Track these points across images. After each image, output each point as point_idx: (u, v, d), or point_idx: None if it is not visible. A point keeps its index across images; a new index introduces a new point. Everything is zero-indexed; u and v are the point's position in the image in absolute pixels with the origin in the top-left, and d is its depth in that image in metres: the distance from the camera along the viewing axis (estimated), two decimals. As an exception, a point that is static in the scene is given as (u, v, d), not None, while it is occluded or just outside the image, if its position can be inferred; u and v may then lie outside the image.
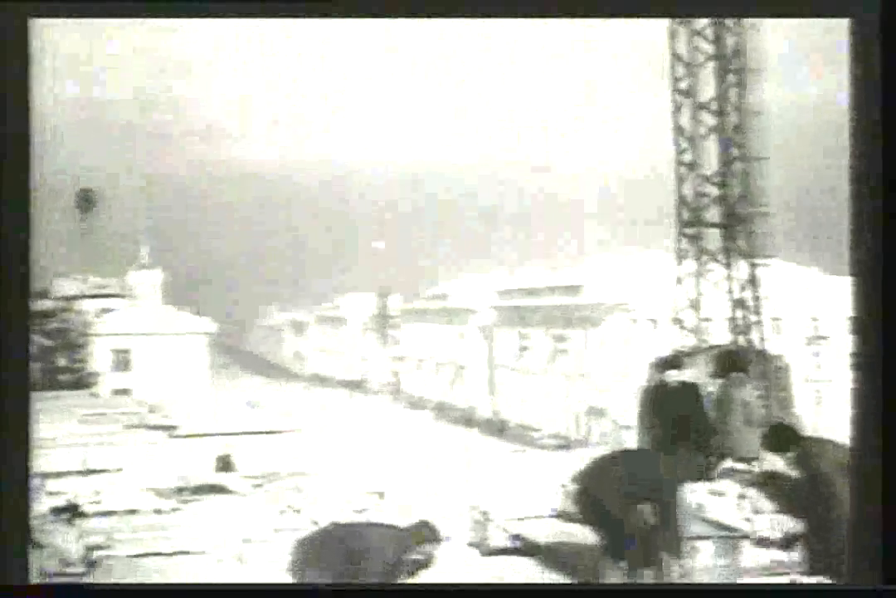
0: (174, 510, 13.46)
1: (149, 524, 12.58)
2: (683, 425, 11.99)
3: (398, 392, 58.86)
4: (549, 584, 7.89)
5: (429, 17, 8.14)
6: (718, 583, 7.86)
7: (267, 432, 21.59)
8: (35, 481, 14.70)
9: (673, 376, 12.23)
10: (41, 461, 16.63)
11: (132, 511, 13.27)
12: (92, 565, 10.88)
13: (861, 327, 7.69)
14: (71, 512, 12.53)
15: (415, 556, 8.26)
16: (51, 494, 13.62)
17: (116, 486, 14.49)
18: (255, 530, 11.88)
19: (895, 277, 7.57)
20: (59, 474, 15.41)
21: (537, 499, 12.28)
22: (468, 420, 53.14)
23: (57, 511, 12.15)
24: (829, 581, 8.24)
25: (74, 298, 35.77)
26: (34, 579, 9.42)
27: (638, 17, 8.07)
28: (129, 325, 39.58)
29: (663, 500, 8.96)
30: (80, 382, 35.00)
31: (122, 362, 37.65)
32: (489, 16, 8.10)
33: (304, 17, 8.19)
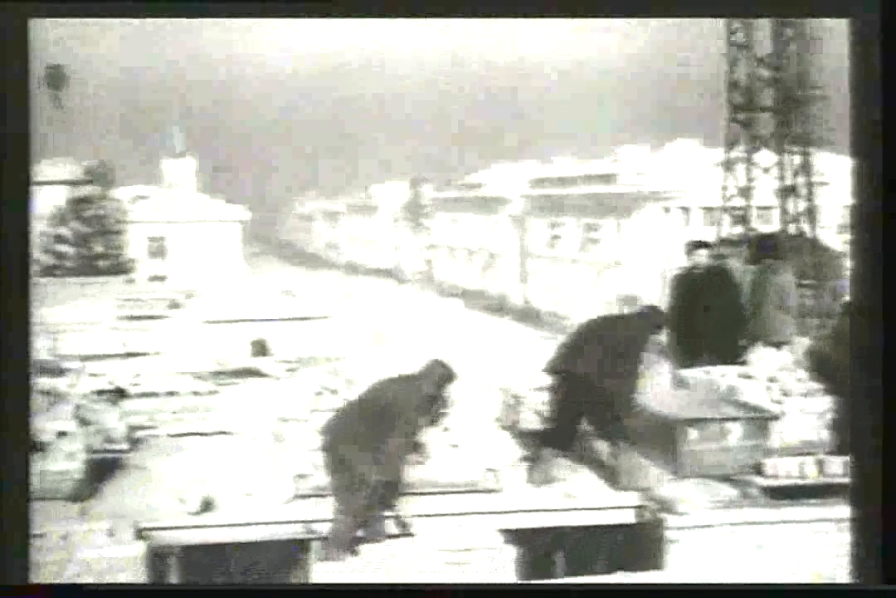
0: (212, 392, 13.76)
1: (188, 405, 12.87)
2: (714, 309, 12.06)
3: (430, 280, 59.12)
4: (550, 584, 8.15)
5: (428, 17, 8.04)
6: (719, 583, 7.87)
7: (300, 319, 21.85)
8: (76, 363, 15.07)
9: (702, 255, 12.24)
10: (82, 344, 17.00)
11: (171, 393, 13.57)
12: (135, 443, 11.22)
13: (861, 326, 7.65)
14: (114, 393, 12.85)
15: (434, 393, 8.49)
16: (93, 375, 13.95)
17: (155, 369, 14.79)
18: (291, 410, 12.17)
19: (895, 278, 7.51)
20: (99, 357, 15.76)
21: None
22: (499, 308, 53.45)
23: (100, 392, 12.46)
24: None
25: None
26: (82, 454, 9.78)
27: (638, 17, 8.00)
28: (163, 212, 39.75)
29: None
30: (118, 268, 35.34)
31: (157, 249, 37.92)
32: (489, 16, 8.01)
33: (304, 17, 8.06)
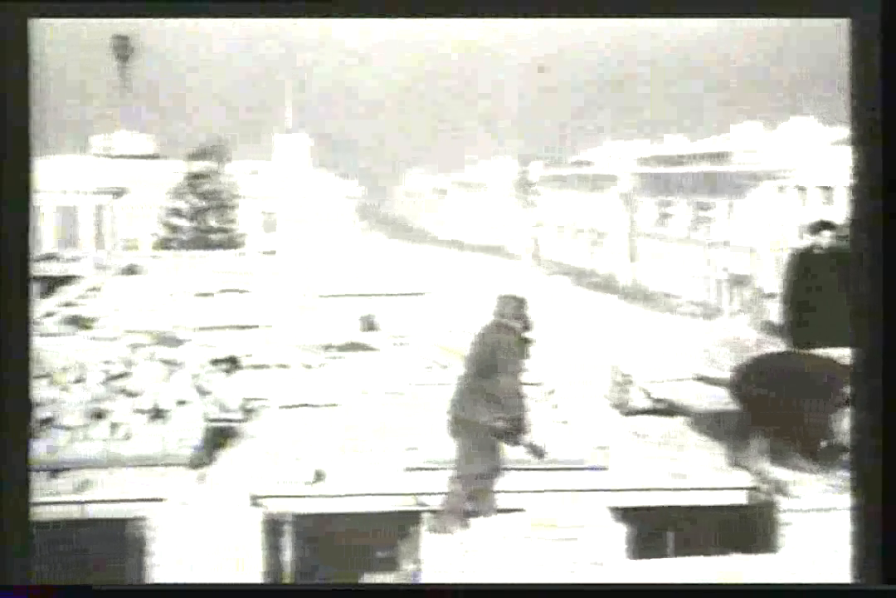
0: (322, 365, 13.96)
1: (299, 377, 13.09)
2: (830, 290, 11.80)
3: (537, 258, 58.94)
4: (551, 584, 8.11)
5: (428, 17, 8.08)
6: (718, 583, 7.79)
7: (408, 294, 21.95)
8: (192, 334, 15.40)
9: (826, 236, 11.96)
10: (198, 316, 17.33)
11: (283, 366, 13.81)
12: (249, 413, 11.45)
13: (861, 327, 7.65)
14: (229, 364, 13.13)
15: (517, 324, 8.51)
16: (207, 346, 14.26)
17: (267, 342, 15.05)
18: (401, 384, 12.29)
19: (895, 277, 7.52)
20: (212, 329, 16.08)
21: (678, 363, 12.35)
22: (607, 286, 53.07)
23: (216, 362, 12.75)
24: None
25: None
26: (202, 422, 10.04)
27: (638, 17, 7.99)
28: (276, 187, 40.26)
29: None
30: (230, 242, 35.92)
31: (269, 223, 38.45)
32: (489, 16, 8.06)
33: (304, 17, 8.11)
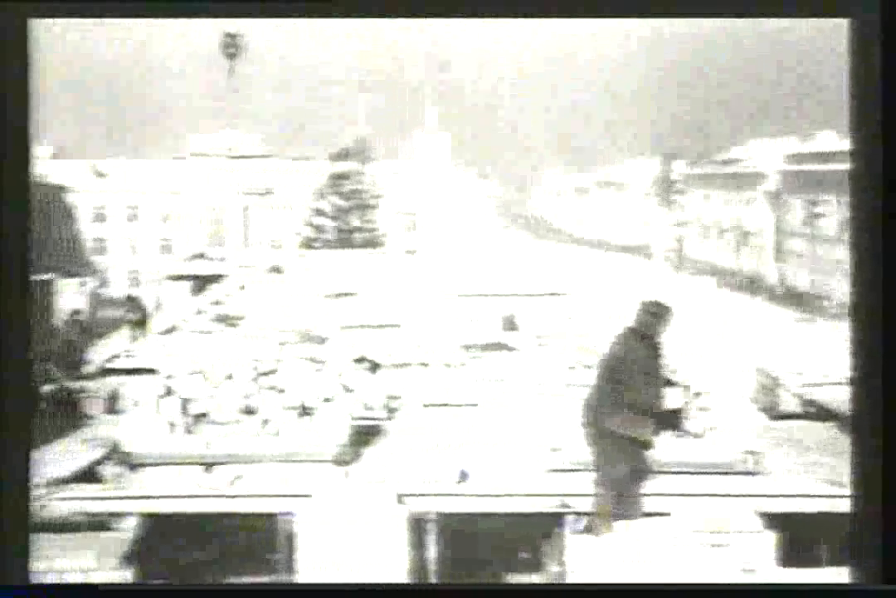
0: (462, 364, 13.99)
1: (439, 376, 13.14)
2: None
3: (680, 258, 58.11)
4: (553, 584, 7.91)
5: (429, 17, 8.01)
6: (719, 583, 7.68)
7: (549, 294, 21.83)
8: (336, 332, 15.61)
9: None
10: (341, 315, 17.54)
11: (424, 364, 13.88)
12: (391, 411, 11.56)
13: (861, 326, 7.65)
14: (371, 362, 13.25)
15: (657, 331, 8.33)
16: (351, 344, 14.43)
17: (409, 341, 15.15)
18: (543, 385, 12.22)
19: (895, 277, 7.53)
20: (356, 327, 16.28)
21: (828, 366, 12.00)
22: (753, 287, 51.98)
23: (359, 361, 12.88)
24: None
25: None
26: (348, 420, 10.17)
27: (638, 17, 8.01)
28: (417, 187, 40.58)
29: None
30: (372, 241, 36.33)
31: (410, 223, 38.76)
32: (490, 16, 8.00)
33: (304, 17, 8.03)
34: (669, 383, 8.72)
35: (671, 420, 8.78)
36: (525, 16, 8.05)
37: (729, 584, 7.71)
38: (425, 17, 8.03)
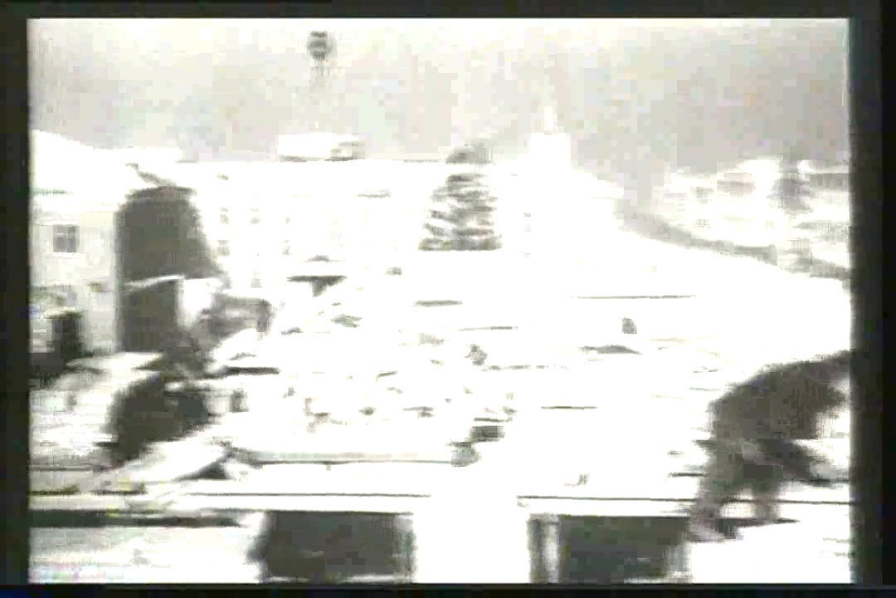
0: (580, 367, 13.87)
1: (557, 379, 13.06)
2: None
3: (805, 260, 56.97)
4: (551, 584, 7.67)
5: (429, 17, 8.04)
6: (719, 583, 7.69)
7: (669, 297, 21.53)
8: (453, 333, 15.64)
9: None
10: (460, 317, 17.60)
11: (542, 367, 13.81)
12: (510, 413, 11.53)
13: (861, 326, 7.79)
14: (490, 364, 13.24)
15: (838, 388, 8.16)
16: (469, 346, 14.44)
17: (527, 343, 15.09)
18: (664, 388, 12.06)
19: (895, 278, 7.24)
20: (473, 329, 16.28)
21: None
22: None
23: (478, 362, 12.87)
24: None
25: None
26: (467, 421, 10.19)
27: (639, 17, 8.10)
28: (534, 189, 40.55)
29: None
30: (489, 243, 36.34)
31: (525, 225, 38.66)
32: (489, 16, 8.10)
33: (304, 17, 8.05)
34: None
35: (800, 464, 8.62)
36: (526, 16, 8.26)
37: (729, 584, 7.70)
38: (425, 17, 8.09)
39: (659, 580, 8.56)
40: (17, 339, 8.06)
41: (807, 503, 8.42)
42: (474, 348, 14.39)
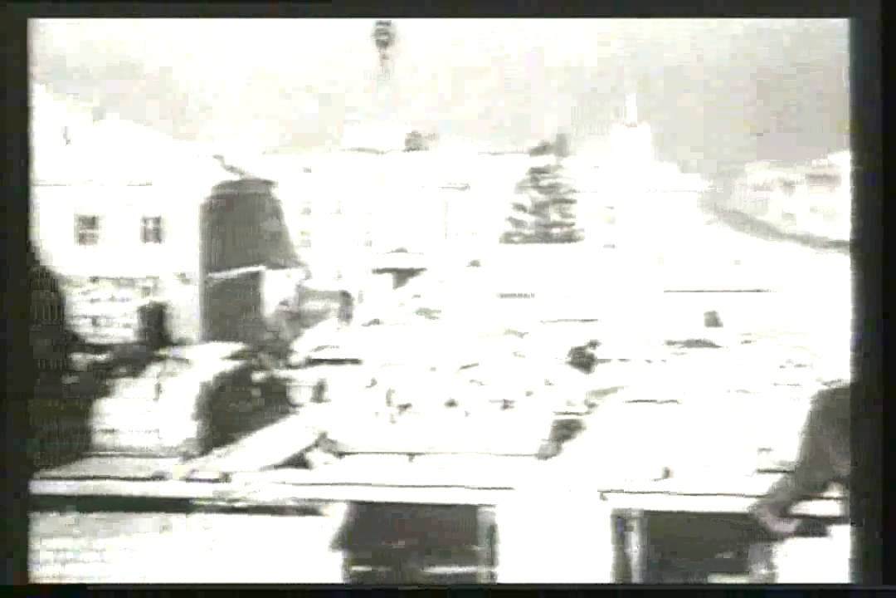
0: (664, 360, 13.76)
1: (640, 372, 12.97)
2: None
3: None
4: (550, 584, 7.50)
5: (428, 17, 7.96)
6: (719, 583, 7.80)
7: (754, 290, 21.28)
8: (534, 327, 15.62)
9: None
10: (541, 309, 17.54)
11: (624, 360, 13.73)
12: (591, 406, 11.48)
13: (862, 326, 7.73)
14: (572, 357, 13.20)
15: None
16: (551, 339, 14.40)
17: (609, 336, 15.01)
18: (750, 383, 11.90)
19: (895, 278, 7.31)
20: (561, 321, 16.24)
21: None
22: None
23: (559, 355, 12.85)
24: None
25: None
26: (549, 414, 10.15)
27: (639, 17, 8.10)
28: (616, 181, 40.26)
29: None
30: (570, 236, 36.21)
31: (610, 217, 38.46)
32: (489, 16, 8.06)
33: (304, 17, 7.97)
34: None
35: None
36: (526, 16, 8.28)
37: (729, 584, 7.79)
38: (425, 17, 8.12)
39: (744, 579, 8.46)
40: (17, 339, 8.08)
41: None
42: (556, 341, 14.35)
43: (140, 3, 8.12)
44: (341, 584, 8.21)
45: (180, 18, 8.34)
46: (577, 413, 11.04)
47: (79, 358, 11.14)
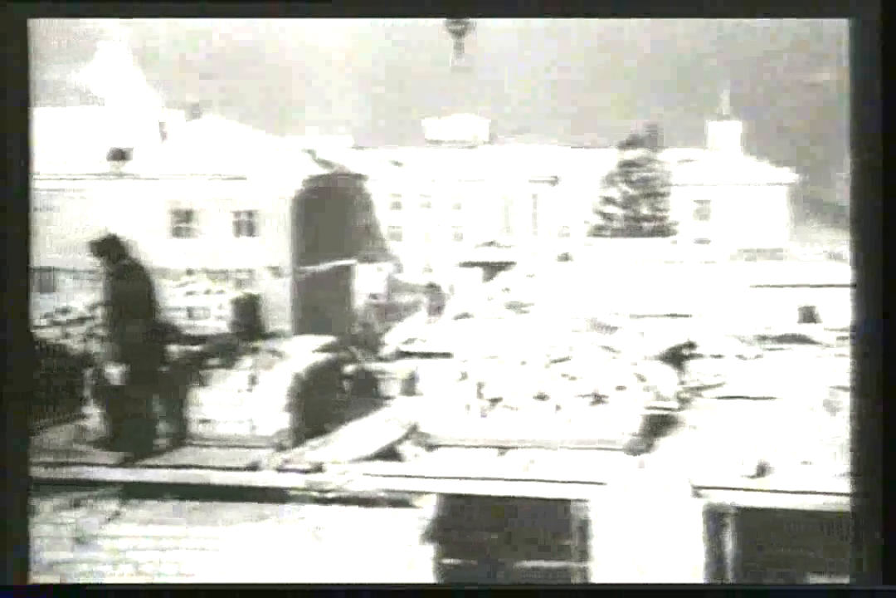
0: (758, 356, 13.59)
1: (733, 368, 12.83)
2: None
3: None
4: (550, 584, 7.92)
5: (429, 17, 7.95)
6: (719, 583, 7.74)
7: (850, 285, 20.79)
8: (625, 321, 15.51)
9: None
10: (632, 303, 17.43)
11: (717, 356, 13.58)
12: (684, 402, 11.39)
13: (862, 327, 7.83)
14: (664, 352, 13.08)
15: None
16: (642, 334, 14.29)
17: (702, 331, 14.86)
18: (847, 380, 11.69)
19: (895, 278, 7.67)
20: (647, 316, 16.11)
21: None
22: None
23: (651, 350, 12.74)
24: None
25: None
26: (641, 409, 10.08)
27: (639, 17, 8.10)
28: (709, 175, 39.79)
29: None
30: (662, 230, 35.91)
31: (702, 211, 38.05)
32: (490, 16, 8.09)
33: (304, 17, 7.87)
34: None
35: None
36: (526, 16, 8.25)
37: (729, 584, 7.72)
38: (425, 17, 8.13)
39: (839, 579, 8.31)
40: (17, 339, 8.12)
41: None
42: (647, 335, 14.24)
43: (140, 3, 8.11)
44: (341, 584, 8.24)
45: (182, 18, 8.28)
46: (670, 409, 10.95)
47: (174, 349, 11.35)
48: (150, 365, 9.84)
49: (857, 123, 7.88)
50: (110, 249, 9.72)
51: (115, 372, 9.72)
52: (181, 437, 9.98)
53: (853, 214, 7.94)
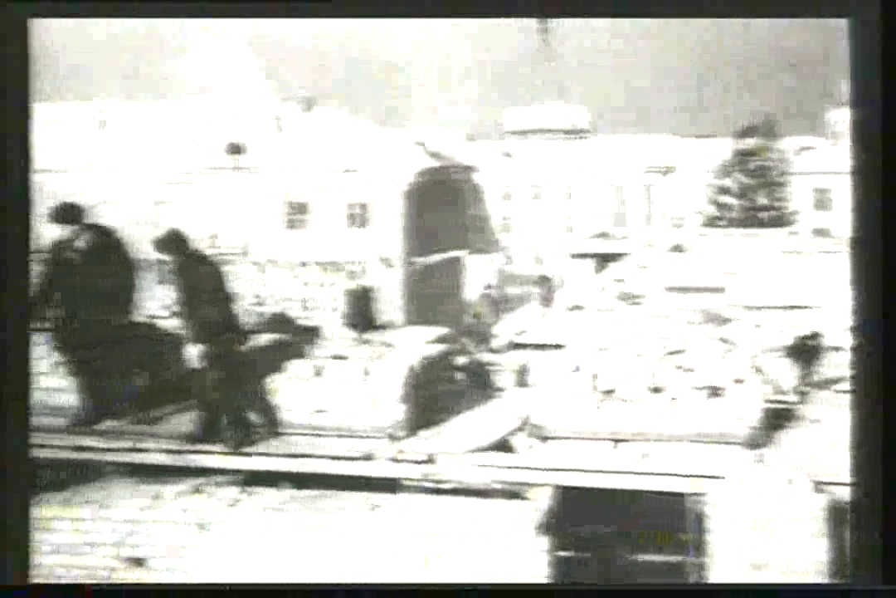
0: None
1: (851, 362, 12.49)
2: None
3: None
4: (550, 584, 7.71)
5: (429, 17, 7.90)
6: (720, 583, 7.64)
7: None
8: (741, 312, 15.22)
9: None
10: (749, 295, 17.10)
11: (836, 349, 13.25)
12: (803, 395, 11.18)
13: (862, 327, 7.87)
14: (782, 344, 12.81)
15: None
16: (759, 326, 14.03)
17: (823, 324, 14.51)
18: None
19: (895, 278, 7.68)
20: (764, 308, 15.79)
21: None
22: None
23: (770, 342, 12.50)
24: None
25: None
26: (759, 402, 9.87)
27: (639, 17, 8.06)
28: (829, 164, 38.84)
29: None
30: (780, 220, 35.19)
31: (822, 201, 37.16)
32: (489, 16, 8.01)
33: (304, 17, 7.80)
34: None
35: None
36: (525, 15, 8.22)
37: (730, 584, 7.61)
38: (425, 16, 7.98)
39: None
40: (16, 339, 8.14)
41: None
42: (764, 327, 13.97)
43: (140, 2, 8.09)
44: (341, 584, 8.17)
45: (183, 18, 8.26)
46: (790, 402, 10.73)
47: (287, 339, 11.50)
48: (227, 352, 9.90)
49: (858, 123, 7.84)
50: (175, 244, 9.87)
51: (194, 354, 9.83)
52: (273, 426, 10.09)
53: (853, 213, 7.95)
